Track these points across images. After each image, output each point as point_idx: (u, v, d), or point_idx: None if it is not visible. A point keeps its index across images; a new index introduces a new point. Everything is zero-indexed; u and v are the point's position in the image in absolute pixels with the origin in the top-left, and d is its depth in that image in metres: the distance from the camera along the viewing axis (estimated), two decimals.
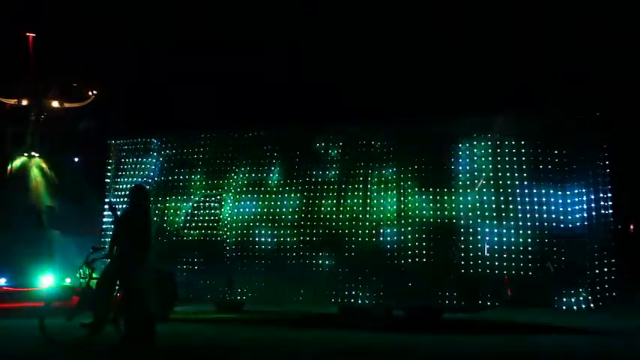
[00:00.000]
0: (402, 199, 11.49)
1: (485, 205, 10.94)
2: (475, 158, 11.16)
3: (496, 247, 10.82)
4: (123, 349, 8.90)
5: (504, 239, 10.80)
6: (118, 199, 13.30)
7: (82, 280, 9.47)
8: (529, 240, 10.69)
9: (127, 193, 9.96)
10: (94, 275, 9.42)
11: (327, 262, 11.81)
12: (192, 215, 12.89)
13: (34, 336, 9.33)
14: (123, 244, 9.13)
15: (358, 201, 11.80)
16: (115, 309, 9.18)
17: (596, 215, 10.75)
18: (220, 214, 12.67)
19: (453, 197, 11.16)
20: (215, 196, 12.84)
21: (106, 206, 13.43)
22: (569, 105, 11.42)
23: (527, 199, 10.77)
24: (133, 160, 13.65)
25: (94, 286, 9.38)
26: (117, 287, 9.17)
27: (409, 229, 11.34)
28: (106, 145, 14.06)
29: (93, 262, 9.46)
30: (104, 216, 13.80)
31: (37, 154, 24.19)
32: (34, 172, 24.10)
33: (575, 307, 10.54)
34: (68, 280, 17.08)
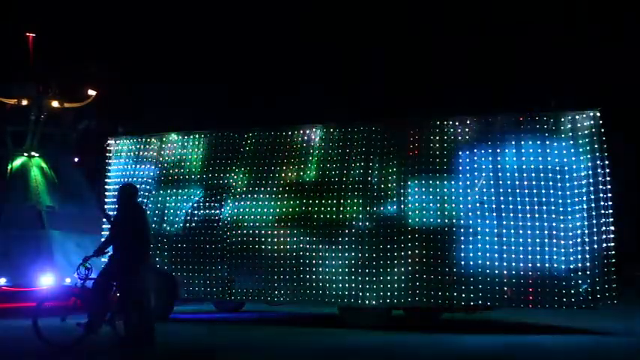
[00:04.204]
0: (402, 198, 11.49)
1: (486, 205, 10.96)
2: (475, 158, 11.19)
3: (496, 247, 10.83)
4: (122, 350, 8.88)
5: (504, 239, 10.81)
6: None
7: (78, 280, 9.45)
8: (529, 240, 10.71)
9: (116, 194, 9.91)
10: (91, 275, 9.40)
11: (327, 262, 11.79)
12: (192, 215, 12.87)
13: (33, 336, 9.30)
14: (120, 244, 9.11)
15: (358, 201, 11.78)
16: (111, 309, 9.16)
17: (596, 215, 10.74)
18: (220, 214, 12.65)
19: (453, 197, 11.18)
20: (215, 196, 12.82)
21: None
22: (569, 104, 11.42)
23: (527, 199, 10.80)
24: (132, 160, 13.63)
25: (90, 286, 9.36)
26: (114, 287, 9.16)
27: (409, 229, 11.34)
28: (106, 145, 14.04)
29: (89, 262, 9.45)
30: (103, 216, 13.76)
31: (37, 154, 24.15)
32: (34, 172, 24.04)
33: (575, 307, 10.57)
34: (68, 280, 17.11)
